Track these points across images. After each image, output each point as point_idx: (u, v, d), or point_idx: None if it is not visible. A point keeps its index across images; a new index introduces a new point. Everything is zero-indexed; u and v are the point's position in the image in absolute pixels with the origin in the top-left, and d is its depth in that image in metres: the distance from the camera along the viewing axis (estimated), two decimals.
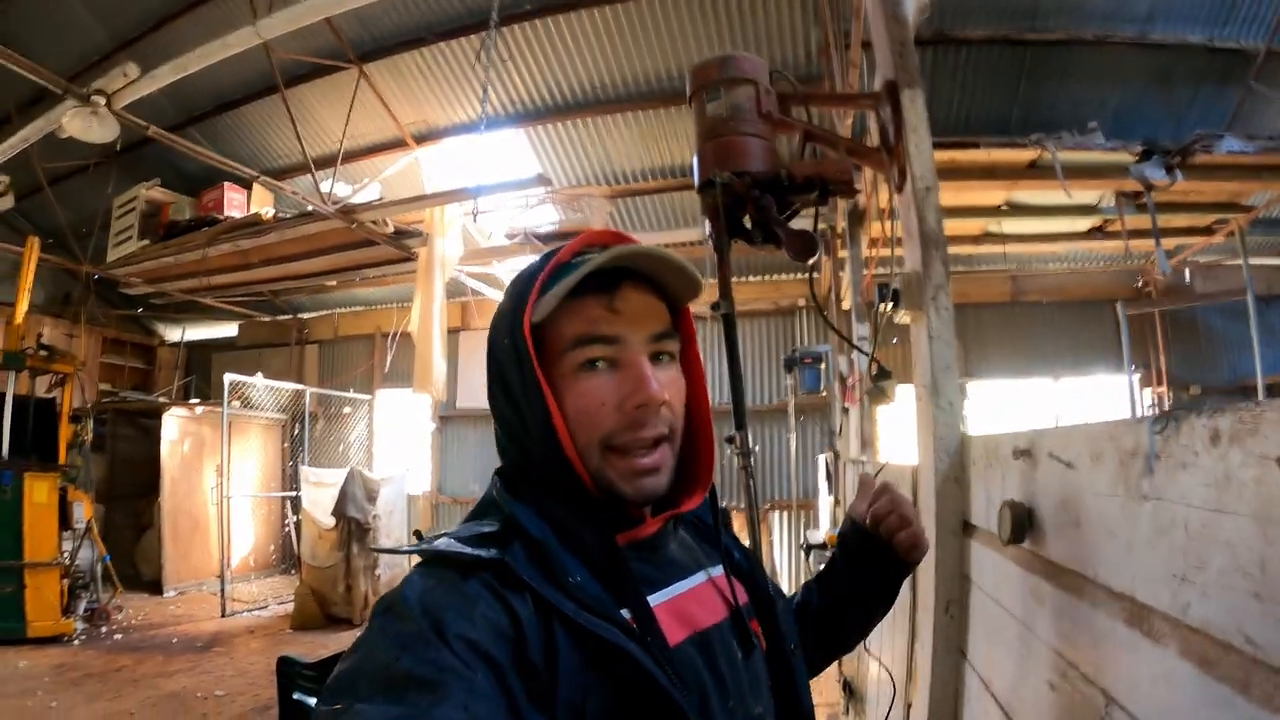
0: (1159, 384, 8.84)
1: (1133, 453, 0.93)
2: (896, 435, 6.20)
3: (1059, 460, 1.16)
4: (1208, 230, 7.13)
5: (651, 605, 0.86)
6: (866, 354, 2.06)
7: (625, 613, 0.83)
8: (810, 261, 1.99)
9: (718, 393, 7.54)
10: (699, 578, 0.97)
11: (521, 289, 0.92)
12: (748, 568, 1.06)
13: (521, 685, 0.73)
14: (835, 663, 5.44)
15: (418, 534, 0.93)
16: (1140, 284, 9.19)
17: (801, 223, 2.02)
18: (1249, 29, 6.77)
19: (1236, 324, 8.64)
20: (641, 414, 0.88)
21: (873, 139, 2.59)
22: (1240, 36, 6.81)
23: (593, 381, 0.89)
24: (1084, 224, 7.06)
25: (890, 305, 2.06)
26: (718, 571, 1.01)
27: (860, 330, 4.89)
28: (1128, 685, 0.94)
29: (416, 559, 0.85)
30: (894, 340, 4.94)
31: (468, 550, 0.80)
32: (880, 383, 2.08)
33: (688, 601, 0.92)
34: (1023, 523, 1.28)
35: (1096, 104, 7.07)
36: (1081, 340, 9.28)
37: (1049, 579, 1.21)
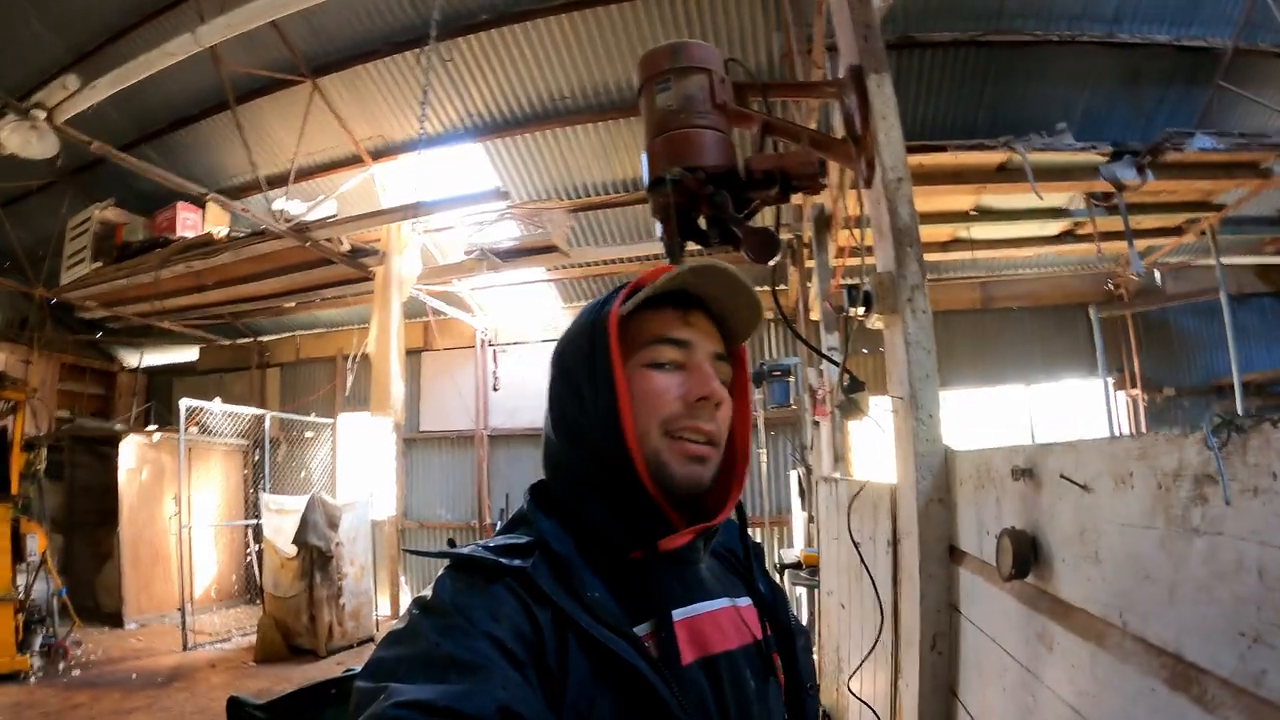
0: (1133, 387, 8.77)
1: (1175, 474, 0.74)
2: (872, 450, 6.06)
3: (1071, 483, 0.97)
4: (1178, 230, 7.10)
5: (673, 621, 0.89)
6: (836, 364, 1.88)
7: (646, 626, 0.87)
8: (772, 263, 1.82)
9: None
10: (721, 602, 0.99)
11: (602, 301, 1.00)
12: (772, 601, 1.08)
13: (540, 685, 0.77)
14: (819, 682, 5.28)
15: (451, 542, 0.96)
16: (1111, 287, 9.13)
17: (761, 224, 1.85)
18: (1216, 28, 6.76)
19: (1208, 324, 8.63)
20: (702, 406, 0.95)
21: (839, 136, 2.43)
22: (1207, 35, 6.79)
23: (662, 375, 0.97)
24: (1054, 227, 7.00)
25: (861, 309, 1.88)
26: (744, 602, 1.04)
27: (830, 341, 4.73)
28: None
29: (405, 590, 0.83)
30: (863, 350, 4.85)
31: (494, 558, 0.85)
32: (852, 395, 1.89)
33: (705, 623, 0.94)
34: (1026, 555, 1.09)
35: (1064, 105, 7.03)
36: (1053, 346, 9.19)
37: (1060, 620, 1.02)
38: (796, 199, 6.12)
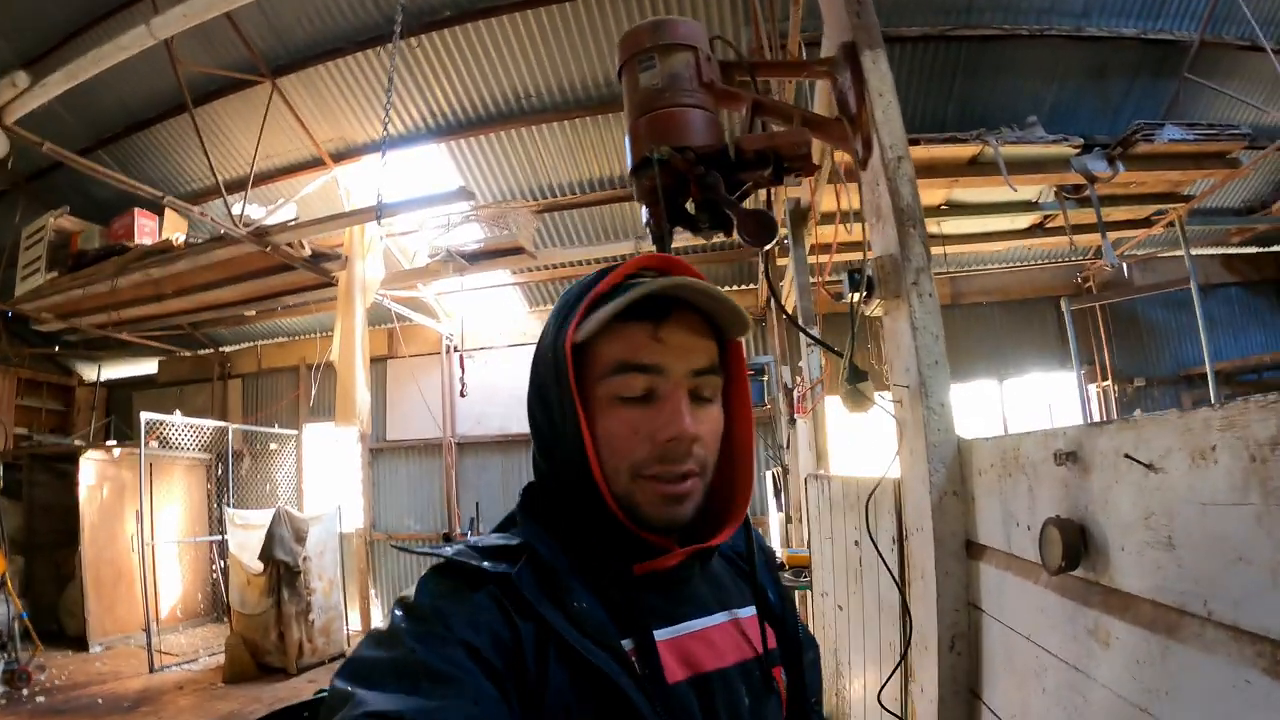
0: (1103, 379, 8.84)
1: (1273, 443, 0.66)
2: (854, 446, 6.02)
3: (1136, 462, 0.88)
4: (1146, 222, 7.17)
5: (657, 639, 0.85)
6: (838, 353, 1.80)
7: (628, 643, 0.83)
8: (768, 246, 1.74)
9: None
10: (718, 617, 0.95)
11: (568, 305, 0.92)
12: (780, 611, 1.03)
13: (517, 695, 0.75)
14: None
15: (445, 536, 0.84)
16: (1080, 279, 9.21)
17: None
18: (1181, 21, 6.82)
19: (1176, 315, 8.76)
20: (672, 448, 0.87)
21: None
22: (1173, 28, 6.86)
23: (630, 410, 0.88)
24: (1024, 221, 7.04)
25: (862, 295, 1.80)
26: (746, 612, 0.99)
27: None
28: None
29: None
30: (867, 346, 4.80)
31: (477, 562, 0.82)
32: (856, 384, 1.81)
33: (696, 641, 0.90)
34: (1076, 546, 1.00)
35: (1033, 99, 7.08)
36: (1024, 339, 9.25)
37: (1118, 614, 0.94)
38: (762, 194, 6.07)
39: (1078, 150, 5.73)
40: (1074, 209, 6.35)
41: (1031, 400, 9.07)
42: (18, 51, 7.53)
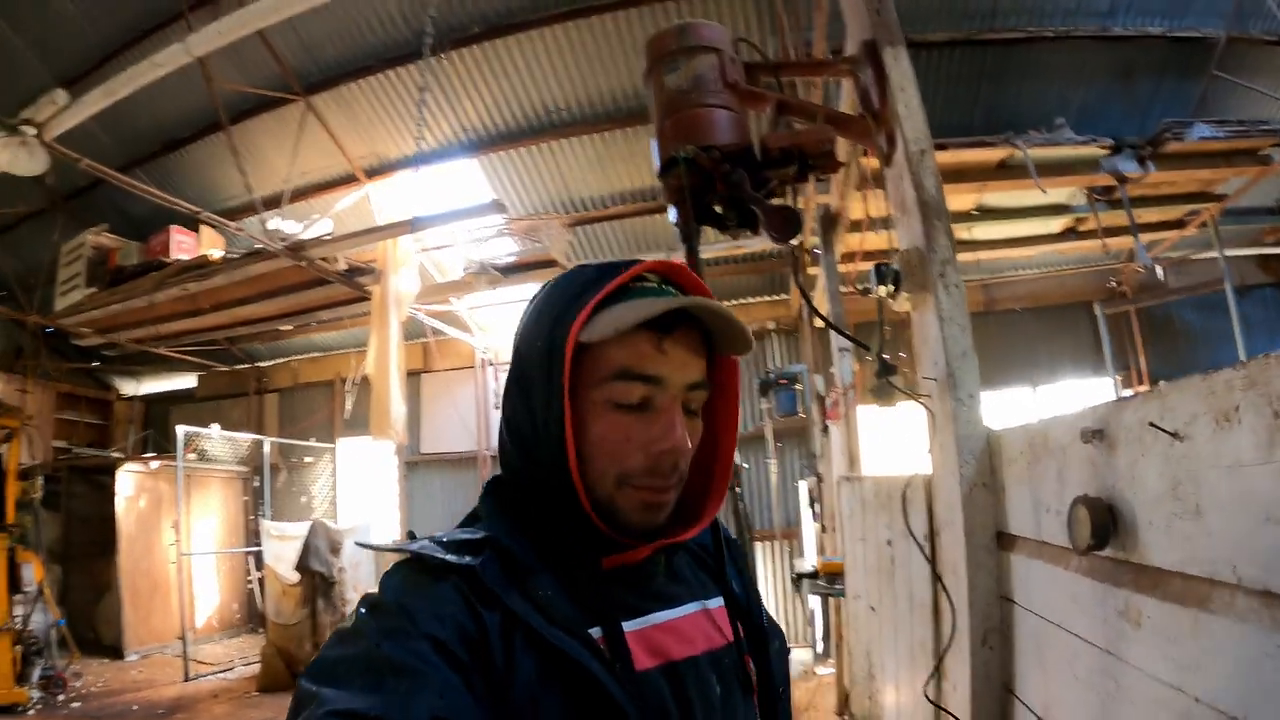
0: (1139, 383, 8.72)
1: None
2: (885, 449, 6.00)
3: (1161, 431, 0.88)
4: (1179, 224, 7.08)
5: (624, 630, 0.85)
6: (866, 347, 1.81)
7: (596, 632, 0.82)
8: (795, 241, 1.75)
9: None
10: (686, 609, 0.95)
11: (570, 297, 0.88)
12: (745, 602, 1.02)
13: (484, 687, 0.74)
14: (840, 695, 5.20)
15: (411, 534, 0.91)
16: (1114, 283, 9.09)
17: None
18: (1208, 18, 6.78)
19: (1211, 317, 8.59)
20: (664, 460, 0.87)
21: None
22: (1200, 25, 6.81)
23: (625, 417, 0.87)
24: (1056, 225, 6.98)
25: (890, 289, 1.80)
26: (715, 603, 0.99)
27: (839, 342, 4.66)
28: None
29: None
30: (865, 355, 4.80)
31: (441, 555, 0.81)
32: (886, 378, 1.82)
33: (664, 632, 0.90)
34: (1105, 523, 1.00)
35: (1060, 102, 7.02)
36: (1059, 346, 9.16)
37: (1148, 591, 0.94)
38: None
39: (1107, 151, 5.67)
40: (1105, 211, 6.29)
41: (1066, 407, 8.97)
42: (56, 73, 7.76)
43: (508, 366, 0.94)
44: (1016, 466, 1.42)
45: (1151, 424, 0.89)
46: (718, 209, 1.78)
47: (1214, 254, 7.13)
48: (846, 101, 2.99)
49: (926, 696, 1.80)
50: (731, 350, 0.96)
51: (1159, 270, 7.38)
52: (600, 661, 0.79)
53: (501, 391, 0.95)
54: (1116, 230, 6.58)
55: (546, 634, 0.78)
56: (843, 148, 2.61)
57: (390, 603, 0.77)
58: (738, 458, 1.43)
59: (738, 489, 1.48)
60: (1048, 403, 9.11)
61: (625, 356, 0.86)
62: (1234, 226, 8.11)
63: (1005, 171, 5.71)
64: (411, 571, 0.82)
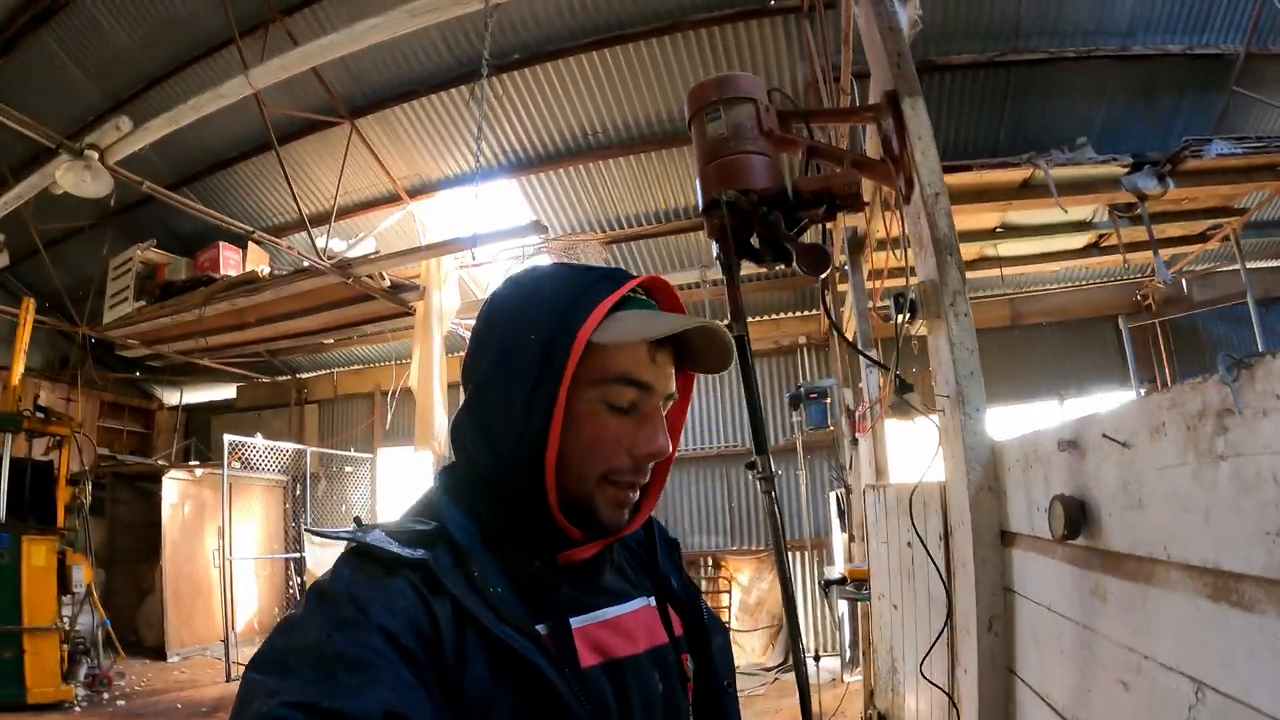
0: None
1: (1200, 414, 0.90)
2: (911, 460, 6.13)
3: (1114, 441, 1.11)
4: (1201, 237, 7.16)
5: (571, 626, 0.87)
6: (885, 367, 2.02)
7: (542, 629, 0.84)
8: (823, 276, 1.96)
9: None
10: (630, 605, 0.97)
11: (571, 296, 0.91)
12: (685, 598, 1.06)
13: (436, 683, 0.74)
14: (866, 694, 5.35)
15: (357, 520, 0.92)
16: (1139, 297, 9.17)
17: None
18: (1227, 34, 6.86)
19: (1236, 329, 8.66)
20: (645, 461, 0.92)
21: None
22: (1219, 42, 6.89)
23: (615, 419, 0.91)
24: (1079, 240, 7.08)
25: (906, 316, 2.02)
26: (654, 601, 1.02)
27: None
28: (1219, 665, 0.90)
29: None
30: (913, 369, 5.00)
31: (394, 549, 0.81)
32: (903, 395, 2.04)
33: (608, 630, 0.92)
34: (1076, 517, 1.22)
35: (1083, 120, 7.16)
36: (1084, 359, 9.23)
37: (1111, 572, 1.16)
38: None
39: (1127, 169, 5.79)
40: (1127, 227, 6.39)
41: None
42: (107, 94, 8.16)
43: (484, 358, 0.94)
44: (1015, 472, 1.63)
45: (1105, 435, 1.11)
46: (755, 244, 1.97)
47: (1236, 267, 7.21)
48: (872, 141, 3.21)
49: (921, 673, 2.01)
50: (701, 368, 1.02)
51: (1183, 284, 7.47)
52: (549, 661, 0.80)
53: (468, 367, 0.94)
54: (1139, 245, 6.68)
55: (498, 632, 0.79)
56: (866, 184, 2.81)
57: (341, 593, 0.76)
58: (773, 464, 1.65)
59: (773, 494, 1.67)
60: (1074, 416, 9.14)
61: (625, 363, 0.90)
62: (1256, 239, 8.17)
63: (1028, 191, 5.83)
64: (363, 562, 0.81)
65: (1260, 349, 4.80)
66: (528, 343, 0.88)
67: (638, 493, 0.96)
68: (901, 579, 2.63)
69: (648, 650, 0.95)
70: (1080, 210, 6.40)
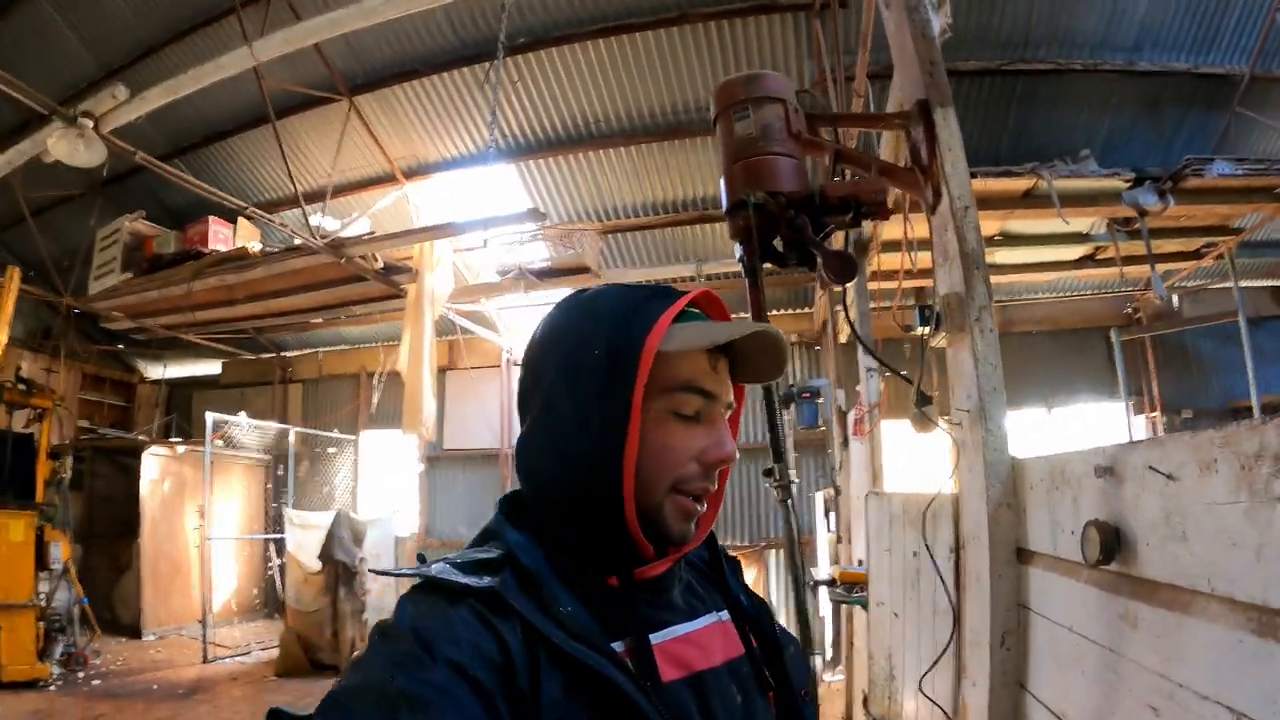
0: (1151, 409, 8.87)
1: (1256, 456, 0.89)
2: (907, 467, 6.19)
3: (1158, 473, 1.11)
4: (1196, 255, 7.23)
5: (651, 642, 0.87)
6: (909, 380, 2.01)
7: (620, 645, 0.83)
8: (848, 284, 1.94)
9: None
10: (701, 621, 0.97)
11: (628, 310, 0.91)
12: (754, 613, 1.05)
13: (509, 710, 0.73)
14: (848, 696, 5.35)
15: (420, 557, 0.93)
16: (1130, 310, 9.25)
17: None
18: (1233, 55, 6.94)
19: (1224, 347, 8.74)
20: (714, 468, 0.92)
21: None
22: (1225, 62, 6.97)
23: (683, 427, 0.91)
24: (1075, 252, 7.13)
25: (930, 328, 2.02)
26: (726, 616, 1.01)
27: (867, 362, 4.85)
28: (1263, 699, 0.91)
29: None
30: (885, 374, 5.02)
31: (459, 578, 0.80)
32: (923, 408, 2.03)
33: (685, 645, 0.92)
34: (1111, 543, 1.23)
35: (1087, 132, 7.22)
36: (1073, 369, 9.31)
37: (1144, 599, 1.16)
38: None
39: (1129, 184, 5.83)
40: (1124, 241, 6.45)
41: (1079, 429, 9.10)
42: (101, 62, 8.03)
43: (545, 381, 0.94)
44: (1038, 491, 1.63)
45: (1151, 467, 1.11)
46: (778, 247, 1.95)
47: (1229, 285, 7.28)
48: (887, 146, 3.20)
49: (920, 689, 2.01)
50: (754, 379, 1.03)
51: (1175, 299, 7.53)
52: (626, 675, 0.79)
53: (525, 393, 0.95)
54: (1135, 259, 6.74)
55: (569, 649, 0.77)
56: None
57: (405, 630, 0.76)
58: (791, 473, 1.63)
59: (790, 502, 1.67)
60: (1062, 424, 9.26)
61: (689, 371, 0.91)
62: (1250, 259, 8.26)
63: (1030, 200, 5.87)
64: (426, 595, 0.81)
65: (1251, 368, 4.89)
66: (593, 356, 0.89)
67: (704, 505, 0.95)
68: (905, 588, 2.64)
69: (724, 663, 0.94)
70: (1079, 222, 6.45)
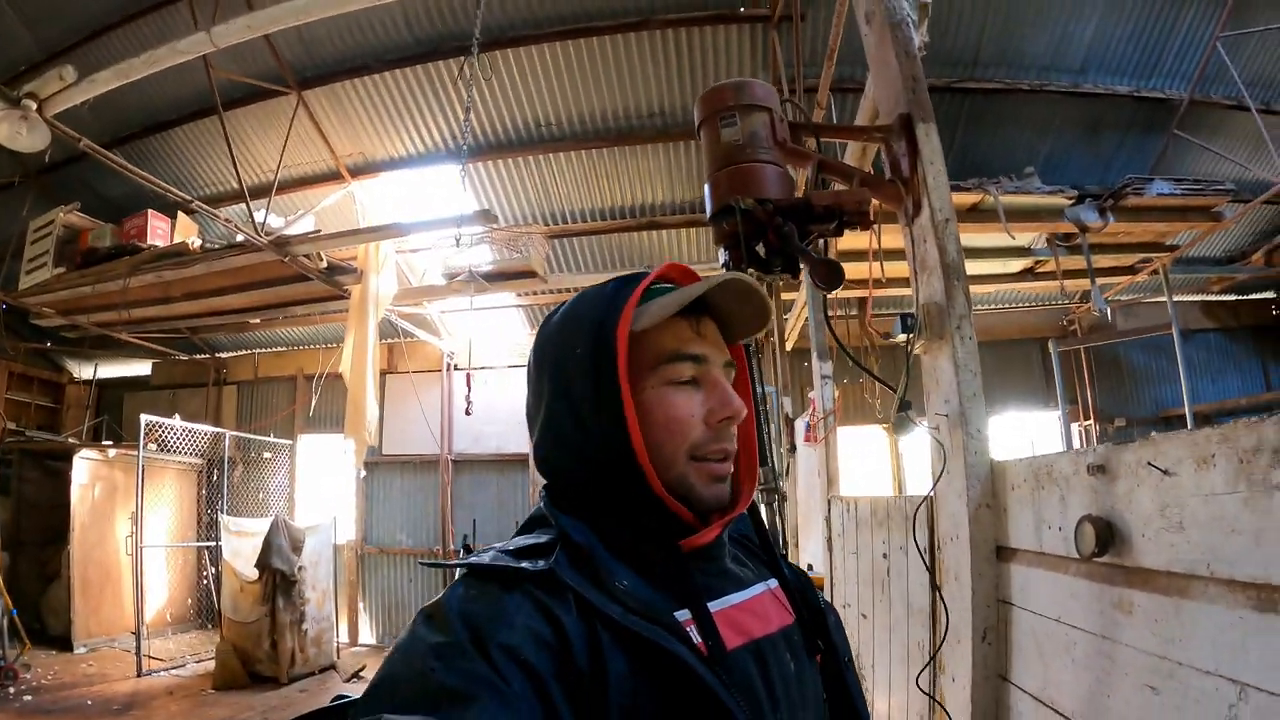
0: (1086, 418, 9.18)
1: (1255, 449, 0.97)
2: (854, 472, 6.28)
3: (1155, 469, 1.18)
4: (1132, 270, 7.53)
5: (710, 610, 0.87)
6: (892, 388, 2.07)
7: (683, 615, 0.84)
8: (835, 292, 1.99)
9: None
10: (754, 590, 0.98)
11: (601, 304, 0.93)
12: (797, 583, 1.07)
13: (564, 693, 0.72)
14: None
15: (467, 547, 0.96)
16: (1065, 322, 9.57)
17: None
18: (1173, 80, 7.23)
19: (1155, 358, 9.18)
20: (724, 427, 0.93)
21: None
22: (1165, 87, 7.26)
23: (681, 395, 0.92)
24: (1016, 265, 7.34)
25: (911, 336, 2.07)
26: (774, 584, 1.03)
27: (822, 369, 4.95)
28: (1266, 668, 0.98)
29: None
30: (844, 380, 5.11)
31: (512, 563, 0.81)
32: (905, 413, 2.10)
33: (742, 612, 0.93)
34: (1105, 537, 1.29)
35: (1029, 150, 7.44)
36: (1010, 379, 9.58)
37: (1139, 586, 1.24)
38: None
39: (1072, 201, 6.06)
40: (1064, 255, 6.69)
41: (1014, 437, 9.38)
42: (41, 42, 7.61)
43: (543, 390, 0.96)
44: (1021, 491, 1.70)
45: (1149, 463, 1.19)
46: (761, 253, 1.99)
47: (1163, 299, 7.59)
48: (851, 154, 3.28)
49: (918, 686, 2.07)
50: (743, 334, 1.05)
51: (1109, 312, 7.82)
52: (687, 646, 0.79)
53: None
54: (1073, 273, 6.98)
55: (628, 623, 0.77)
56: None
57: (451, 615, 0.75)
58: (781, 479, 1.67)
59: (775, 504, 1.70)
60: (998, 432, 9.50)
61: (671, 341, 0.93)
62: (1184, 275, 8.62)
63: (976, 215, 6.04)
64: (478, 581, 0.80)
65: (1184, 378, 5.13)
66: (576, 357, 0.91)
67: (730, 464, 0.96)
68: (874, 589, 2.70)
69: (779, 630, 0.96)
70: (1022, 236, 6.65)
